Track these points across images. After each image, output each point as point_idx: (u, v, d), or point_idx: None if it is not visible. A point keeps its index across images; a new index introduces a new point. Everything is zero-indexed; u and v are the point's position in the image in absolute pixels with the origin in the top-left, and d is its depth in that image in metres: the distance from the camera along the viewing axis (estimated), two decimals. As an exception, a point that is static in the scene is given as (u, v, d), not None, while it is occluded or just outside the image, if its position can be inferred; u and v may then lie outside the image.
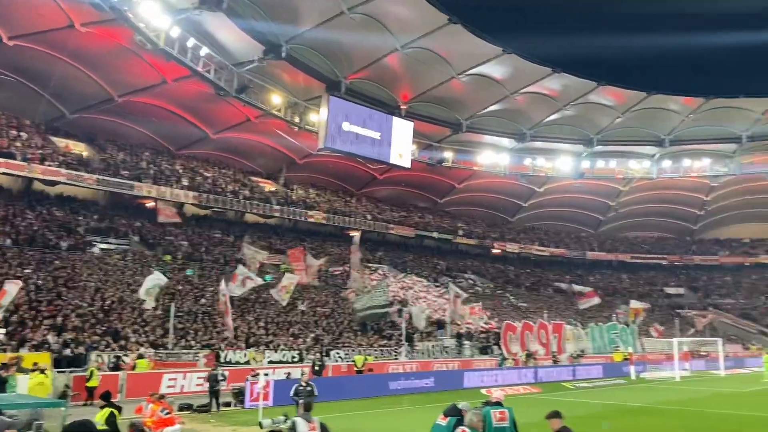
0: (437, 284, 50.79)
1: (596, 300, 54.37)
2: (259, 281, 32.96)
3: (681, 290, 69.40)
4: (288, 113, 45.83)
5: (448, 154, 58.00)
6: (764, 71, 74.46)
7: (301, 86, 46.38)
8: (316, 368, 26.11)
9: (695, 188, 67.35)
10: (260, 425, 11.26)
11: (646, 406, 22.34)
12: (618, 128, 60.14)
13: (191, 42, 37.05)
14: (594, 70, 53.06)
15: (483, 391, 22.91)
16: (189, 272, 36.70)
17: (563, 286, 63.30)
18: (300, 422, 9.09)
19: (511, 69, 50.11)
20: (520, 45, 48.54)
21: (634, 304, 52.64)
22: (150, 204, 42.32)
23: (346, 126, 45.42)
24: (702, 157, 63.60)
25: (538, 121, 58.14)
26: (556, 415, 7.93)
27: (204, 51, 38.24)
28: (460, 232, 62.39)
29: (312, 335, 33.31)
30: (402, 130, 49.80)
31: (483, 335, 41.46)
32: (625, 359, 39.13)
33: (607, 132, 60.53)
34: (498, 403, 9.20)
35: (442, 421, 8.89)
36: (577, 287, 58.85)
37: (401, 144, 49.85)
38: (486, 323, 43.24)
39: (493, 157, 60.35)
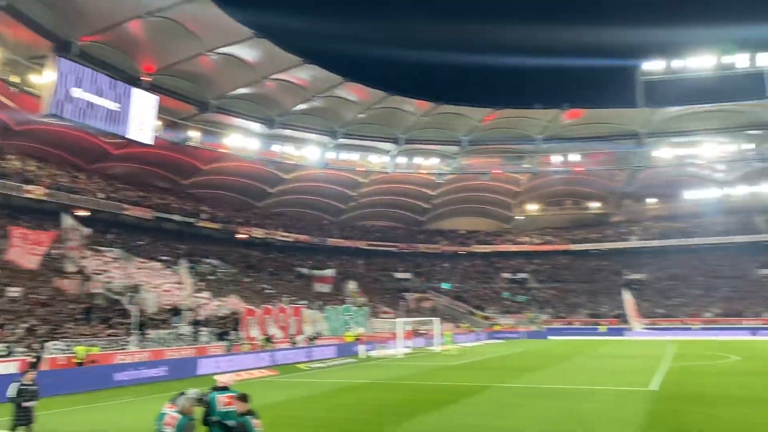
0: (176, 269, 48.52)
1: (329, 286, 58.11)
2: None
3: (408, 275, 76.57)
4: (6, 71, 39.68)
5: (195, 134, 55.78)
6: (483, 85, 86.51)
7: (24, 43, 40.51)
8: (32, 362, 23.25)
9: (424, 184, 74.84)
10: None
11: (371, 382, 24.21)
12: (360, 123, 64.01)
13: None
14: (341, 66, 55.72)
15: (217, 377, 22.59)
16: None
17: (304, 271, 65.41)
18: None
19: (262, 53, 49.99)
20: (273, 30, 48.73)
21: (352, 285, 57.68)
22: None
23: (77, 92, 40.76)
24: (431, 156, 70.92)
25: (288, 108, 59.02)
26: (242, 398, 8.41)
27: None
28: (204, 216, 60.54)
29: (24, 326, 29.43)
30: (144, 103, 46.30)
31: (221, 321, 40.83)
32: (357, 339, 41.91)
33: (351, 126, 64.02)
34: (225, 388, 9.25)
35: (170, 410, 8.58)
36: (317, 272, 62.01)
37: (143, 118, 46.31)
38: (228, 311, 42.63)
39: (242, 140, 59.72)
